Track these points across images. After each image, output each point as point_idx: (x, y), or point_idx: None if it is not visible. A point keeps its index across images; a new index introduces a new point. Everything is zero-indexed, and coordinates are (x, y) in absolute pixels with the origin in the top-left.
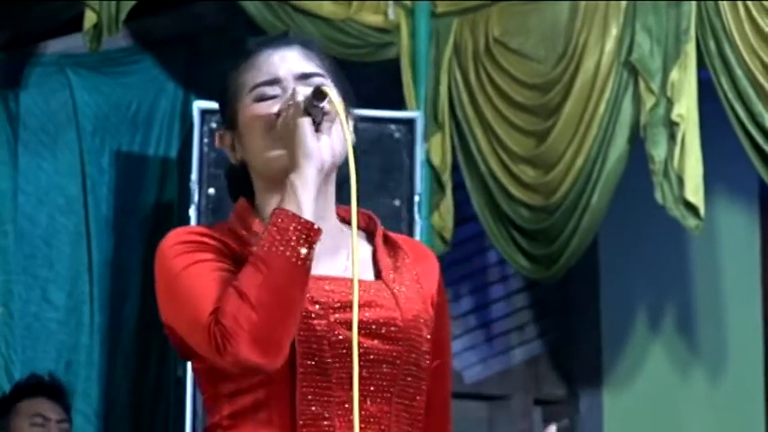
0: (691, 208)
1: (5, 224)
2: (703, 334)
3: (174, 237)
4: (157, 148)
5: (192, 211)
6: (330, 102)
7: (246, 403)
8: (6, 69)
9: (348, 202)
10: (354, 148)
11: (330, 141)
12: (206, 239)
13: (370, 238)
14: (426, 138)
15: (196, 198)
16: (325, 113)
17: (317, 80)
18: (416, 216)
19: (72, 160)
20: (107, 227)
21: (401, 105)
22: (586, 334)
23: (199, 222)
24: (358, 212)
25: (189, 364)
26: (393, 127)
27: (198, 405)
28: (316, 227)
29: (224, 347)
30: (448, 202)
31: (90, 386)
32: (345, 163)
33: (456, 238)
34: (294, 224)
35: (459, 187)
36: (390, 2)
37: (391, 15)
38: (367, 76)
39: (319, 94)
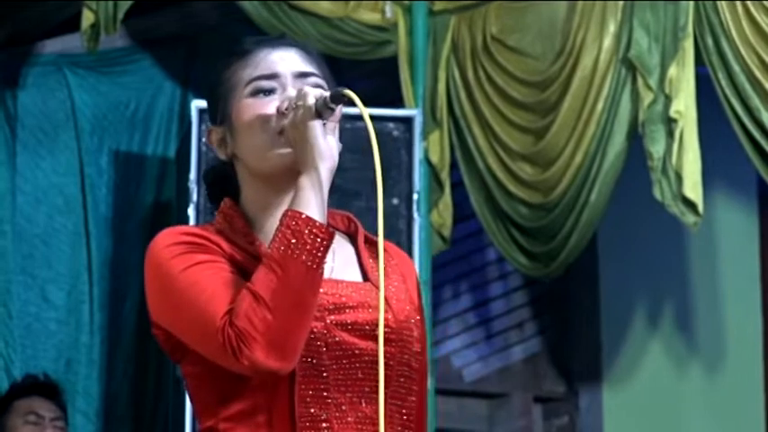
0: (689, 204)
1: (4, 224)
2: (702, 330)
3: (167, 237)
4: (156, 147)
5: (191, 211)
6: (343, 107)
7: (244, 406)
8: (4, 69)
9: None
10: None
11: (336, 143)
12: (201, 240)
13: (352, 240)
14: (425, 136)
15: (195, 197)
16: (331, 115)
17: (314, 80)
18: (415, 214)
19: (70, 160)
20: (106, 226)
21: (399, 103)
22: (585, 331)
23: (198, 222)
24: (337, 214)
25: None
26: (391, 125)
27: None
28: (330, 230)
29: (239, 351)
30: (446, 200)
31: (90, 385)
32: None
33: (455, 235)
34: (309, 227)
35: (457, 185)
36: (388, 0)
37: (389, 13)
38: (365, 75)
39: (339, 96)
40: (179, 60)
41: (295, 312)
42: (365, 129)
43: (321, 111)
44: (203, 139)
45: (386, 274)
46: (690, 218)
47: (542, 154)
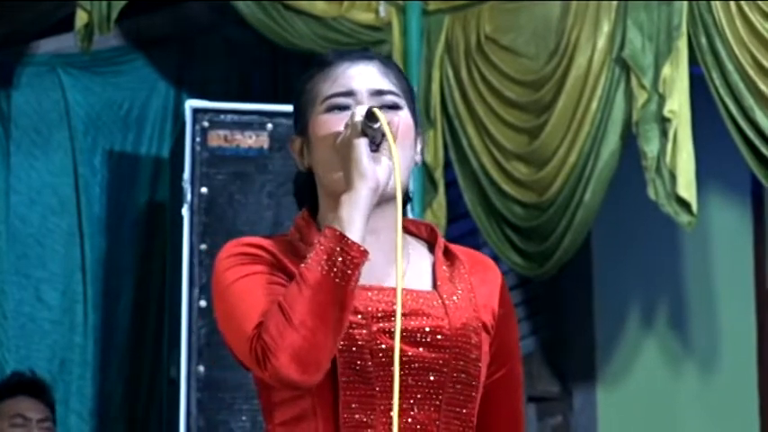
0: (683, 204)
1: None
2: (696, 330)
3: (228, 249)
4: (150, 147)
5: (185, 211)
6: (384, 117)
7: (293, 412)
8: None
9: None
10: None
11: (389, 163)
12: (259, 251)
13: (431, 248)
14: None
15: (189, 197)
16: (384, 134)
17: (390, 98)
18: (409, 213)
19: (64, 160)
20: (100, 226)
21: None
22: (580, 331)
23: (192, 221)
24: (420, 224)
25: (183, 365)
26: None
27: (192, 405)
28: (362, 248)
29: (264, 362)
30: (440, 200)
31: (84, 385)
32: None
33: (449, 235)
34: (341, 245)
35: (451, 184)
36: (382, 0)
37: (382, 13)
38: None
39: (371, 115)
40: (173, 60)
41: (321, 329)
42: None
43: (366, 130)
44: (197, 139)
45: (452, 282)
46: (684, 217)
47: (536, 153)
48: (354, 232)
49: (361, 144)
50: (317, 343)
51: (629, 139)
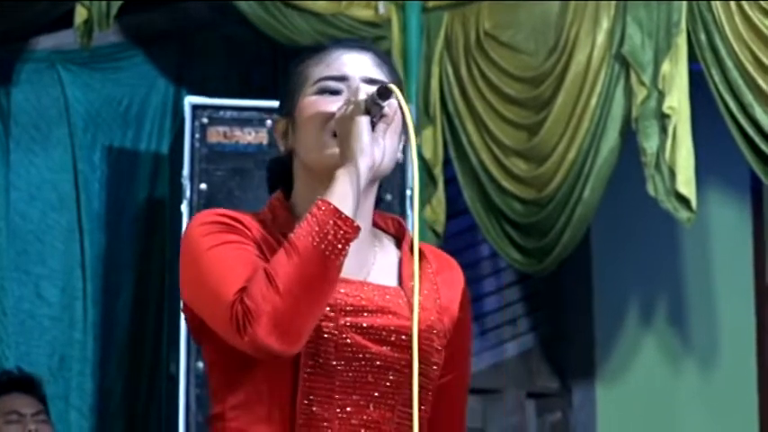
0: (682, 200)
1: None
2: (696, 326)
3: (202, 217)
4: (149, 143)
5: (184, 207)
6: (393, 99)
7: (247, 396)
8: None
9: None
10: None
11: (383, 144)
12: (234, 222)
13: (398, 244)
14: (418, 132)
15: (188, 193)
16: (383, 116)
17: None
18: (408, 210)
19: (64, 156)
20: (99, 223)
21: None
22: (579, 327)
23: (191, 217)
24: (388, 218)
25: (182, 361)
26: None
27: (191, 401)
28: (355, 224)
29: (244, 327)
30: (440, 196)
31: (84, 381)
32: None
33: (448, 231)
34: (334, 218)
35: (450, 181)
36: None
37: (382, 10)
38: None
39: (385, 91)
40: (172, 57)
41: (305, 299)
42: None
43: (370, 108)
44: (197, 135)
45: (419, 281)
46: (683, 213)
47: (536, 150)
48: (348, 207)
49: (364, 121)
50: (301, 312)
51: (629, 136)
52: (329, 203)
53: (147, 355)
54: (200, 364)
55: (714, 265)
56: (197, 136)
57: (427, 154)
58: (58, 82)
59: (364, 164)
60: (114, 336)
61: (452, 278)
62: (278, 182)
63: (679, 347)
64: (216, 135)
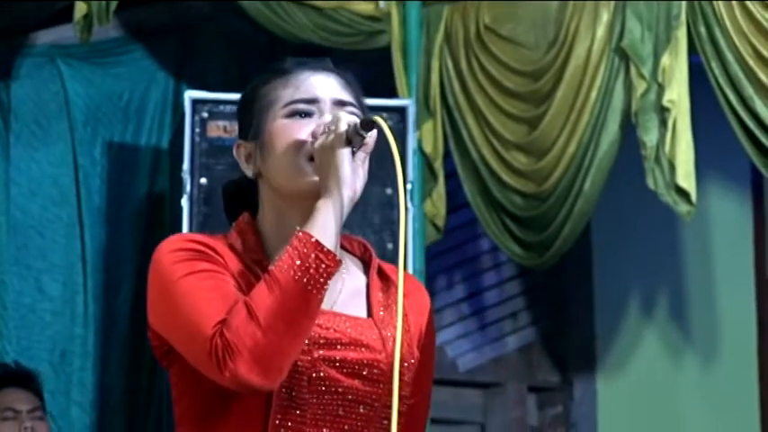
0: (682, 193)
1: None
2: (696, 320)
3: (172, 243)
4: (149, 138)
5: (185, 201)
6: (375, 131)
7: (219, 426)
8: None
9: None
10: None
11: (361, 174)
12: (207, 249)
13: (366, 268)
14: (418, 126)
15: (188, 188)
16: (362, 144)
17: (351, 109)
18: (409, 204)
19: (64, 151)
20: (100, 217)
21: (392, 93)
22: (580, 321)
23: (191, 212)
24: (353, 240)
25: None
26: (385, 115)
27: None
28: (337, 258)
29: (224, 362)
30: (440, 190)
31: (85, 376)
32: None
33: (448, 225)
34: (316, 252)
35: (451, 175)
36: None
37: (382, 4)
38: (358, 65)
39: (370, 123)
40: (172, 51)
41: (286, 334)
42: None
43: (351, 138)
44: (197, 129)
45: (388, 311)
46: (683, 207)
47: (536, 143)
48: (330, 240)
49: (345, 153)
50: (282, 347)
51: (629, 129)
52: (310, 236)
53: (148, 350)
54: None
55: (714, 258)
56: (197, 130)
57: (427, 148)
58: (58, 77)
59: (346, 196)
60: (115, 330)
61: (419, 301)
62: (236, 205)
63: (679, 340)
64: (216, 129)
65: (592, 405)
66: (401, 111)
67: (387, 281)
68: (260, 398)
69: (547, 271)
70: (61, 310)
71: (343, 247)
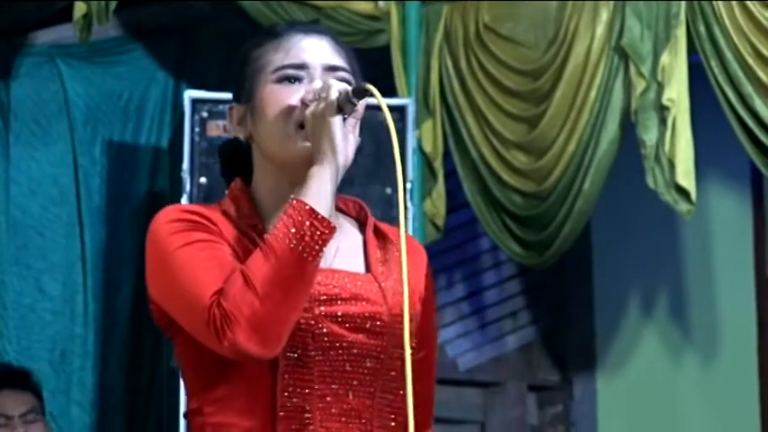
0: (682, 192)
1: None
2: (696, 319)
3: (168, 213)
4: (149, 137)
5: (184, 201)
6: (367, 98)
7: (228, 391)
8: None
9: (342, 192)
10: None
11: (352, 140)
12: (202, 219)
13: (361, 227)
14: (417, 125)
15: (188, 187)
16: (353, 111)
17: (342, 74)
18: (408, 203)
19: (64, 151)
20: (100, 217)
21: (392, 92)
22: (580, 320)
23: None
24: (348, 200)
25: None
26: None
27: None
28: (332, 225)
29: (222, 332)
30: (440, 189)
31: (85, 376)
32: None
33: (448, 224)
34: (311, 219)
35: (450, 174)
36: None
37: (381, 3)
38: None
39: (362, 92)
40: (172, 50)
41: (284, 302)
42: (366, 119)
43: (343, 105)
44: (196, 129)
45: (386, 266)
46: (683, 206)
47: (536, 142)
48: (324, 207)
49: (337, 120)
50: (280, 316)
51: (628, 128)
52: (304, 204)
53: (149, 349)
54: None
55: (714, 257)
56: (197, 130)
57: (427, 147)
58: (58, 76)
59: (339, 162)
60: (115, 330)
61: (417, 259)
62: (231, 167)
63: (679, 339)
64: (216, 129)
65: (592, 404)
66: (401, 110)
67: (384, 238)
68: (266, 360)
69: (547, 270)
70: (61, 310)
71: (338, 209)
